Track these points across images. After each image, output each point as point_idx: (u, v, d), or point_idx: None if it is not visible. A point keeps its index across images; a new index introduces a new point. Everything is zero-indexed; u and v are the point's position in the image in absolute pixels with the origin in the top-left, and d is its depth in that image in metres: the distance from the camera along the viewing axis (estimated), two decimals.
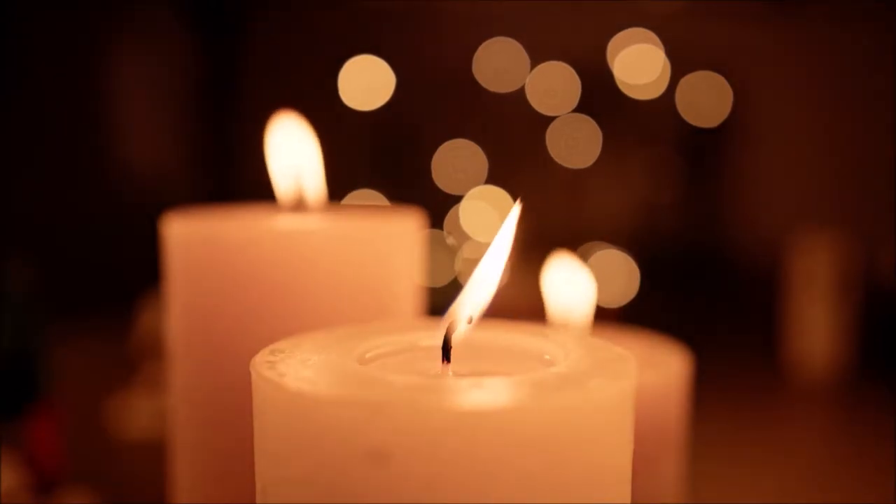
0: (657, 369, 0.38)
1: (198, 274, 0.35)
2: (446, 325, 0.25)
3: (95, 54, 1.54)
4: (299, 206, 0.39)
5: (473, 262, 0.27)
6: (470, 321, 0.26)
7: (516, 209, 0.26)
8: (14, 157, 1.37)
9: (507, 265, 0.26)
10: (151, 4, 1.64)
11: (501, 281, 0.26)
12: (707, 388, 0.51)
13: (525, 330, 0.28)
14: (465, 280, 0.26)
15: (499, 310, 0.27)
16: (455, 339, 0.25)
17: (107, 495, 0.61)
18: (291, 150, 0.39)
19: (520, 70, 1.64)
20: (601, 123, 1.63)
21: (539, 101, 1.64)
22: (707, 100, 1.64)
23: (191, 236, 0.36)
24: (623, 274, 1.54)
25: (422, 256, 0.38)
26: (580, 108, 1.63)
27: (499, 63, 1.64)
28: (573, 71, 1.63)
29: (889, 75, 1.46)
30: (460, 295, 0.26)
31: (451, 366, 0.25)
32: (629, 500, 0.24)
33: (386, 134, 1.72)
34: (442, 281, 1.43)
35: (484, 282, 0.26)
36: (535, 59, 1.64)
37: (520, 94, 1.64)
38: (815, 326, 1.19)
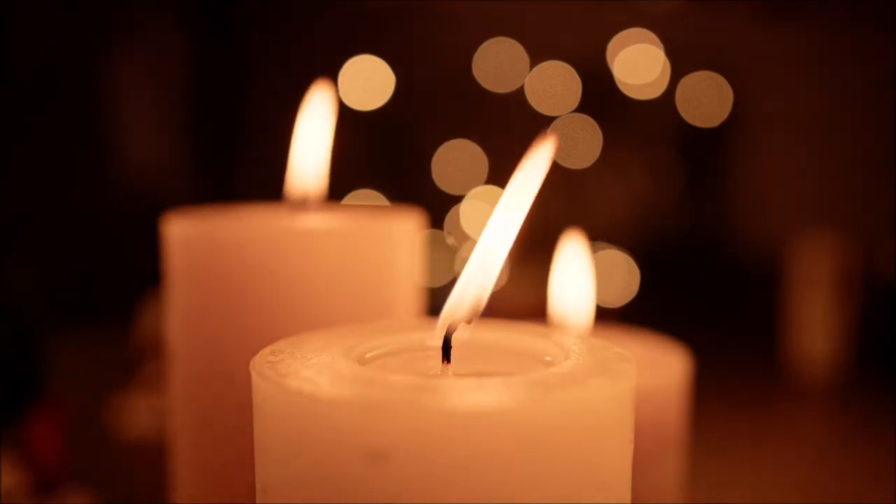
0: (657, 369, 0.38)
1: (198, 274, 0.35)
2: (446, 325, 0.25)
3: (95, 54, 1.54)
4: (300, 205, 0.39)
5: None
6: (469, 322, 0.25)
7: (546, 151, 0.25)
8: (14, 156, 1.37)
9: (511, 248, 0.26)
10: (151, 3, 1.64)
11: (504, 270, 0.25)
12: (707, 388, 0.51)
13: (525, 330, 0.28)
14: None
15: (499, 310, 0.27)
16: (455, 340, 0.25)
17: (107, 495, 0.61)
18: (311, 135, 0.39)
19: (520, 70, 1.64)
20: (601, 123, 1.63)
21: (539, 101, 1.64)
22: (707, 100, 1.64)
23: (191, 236, 0.36)
24: (623, 274, 1.54)
25: (422, 256, 0.38)
26: (580, 108, 1.63)
27: (499, 63, 1.64)
28: (573, 71, 1.63)
29: (889, 75, 1.46)
30: (458, 287, 0.25)
31: (451, 366, 0.25)
32: (629, 500, 0.24)
33: (386, 134, 1.72)
34: (442, 281, 1.43)
35: (483, 269, 0.26)
36: (535, 59, 1.64)
37: (520, 94, 1.64)
38: (815, 326, 1.19)
